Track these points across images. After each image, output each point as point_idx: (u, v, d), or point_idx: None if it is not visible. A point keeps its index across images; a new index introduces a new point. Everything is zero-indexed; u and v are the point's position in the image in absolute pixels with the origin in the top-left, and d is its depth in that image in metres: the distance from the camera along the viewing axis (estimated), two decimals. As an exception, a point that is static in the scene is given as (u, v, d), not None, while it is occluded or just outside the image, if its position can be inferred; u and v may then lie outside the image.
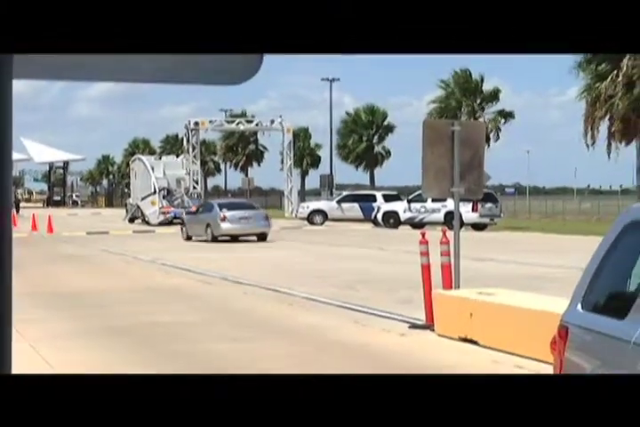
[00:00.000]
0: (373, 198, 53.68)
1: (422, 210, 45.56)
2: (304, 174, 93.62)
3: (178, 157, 65.45)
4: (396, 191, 59.34)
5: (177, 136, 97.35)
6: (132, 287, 19.77)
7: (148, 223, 53.48)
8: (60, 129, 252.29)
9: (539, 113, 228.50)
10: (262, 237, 35.96)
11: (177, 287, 19.78)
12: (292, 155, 66.37)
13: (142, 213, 56.51)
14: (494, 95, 64.50)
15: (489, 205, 44.17)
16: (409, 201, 47.02)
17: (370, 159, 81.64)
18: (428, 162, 13.88)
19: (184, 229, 38.53)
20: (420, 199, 43.58)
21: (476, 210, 43.52)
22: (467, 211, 40.47)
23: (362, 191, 61.84)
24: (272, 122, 65.10)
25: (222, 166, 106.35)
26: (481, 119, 59.59)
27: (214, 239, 35.61)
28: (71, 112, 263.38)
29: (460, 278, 13.72)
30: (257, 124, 67.18)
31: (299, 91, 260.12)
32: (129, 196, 66.58)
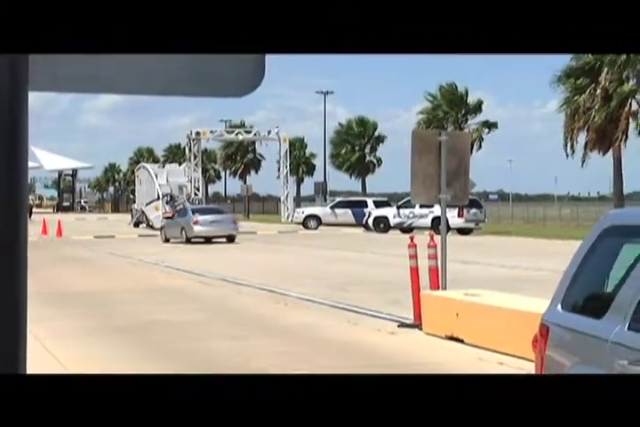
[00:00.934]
0: (365, 204, 53.74)
1: (411, 215, 45.57)
2: (299, 182, 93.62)
3: (180, 165, 65.40)
4: (386, 198, 59.43)
5: (179, 145, 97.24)
6: (136, 288, 19.72)
7: (152, 227, 53.41)
8: (69, 138, 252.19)
9: (522, 124, 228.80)
10: (231, 239, 37.95)
11: (179, 288, 19.74)
12: (288, 163, 66.29)
13: (147, 217, 56.55)
14: (478, 107, 64.61)
15: (474, 210, 44.18)
16: (398, 207, 47.08)
17: (362, 168, 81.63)
18: (417, 170, 13.88)
19: (162, 231, 40.50)
20: (408, 205, 43.68)
21: (462, 215, 43.53)
22: (453, 216, 40.45)
23: (354, 198, 61.90)
24: (269, 132, 65.02)
25: (222, 174, 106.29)
26: (466, 129, 59.61)
27: (188, 241, 37.47)
28: (79, 122, 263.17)
29: (446, 280, 13.72)
30: (255, 135, 67.08)
31: (295, 103, 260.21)
32: (134, 201, 66.51)
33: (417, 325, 13.29)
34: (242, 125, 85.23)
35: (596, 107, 43.69)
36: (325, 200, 66.54)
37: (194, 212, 38.69)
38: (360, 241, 38.38)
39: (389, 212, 47.37)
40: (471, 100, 64.68)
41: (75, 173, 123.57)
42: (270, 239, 37.07)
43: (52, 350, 11.58)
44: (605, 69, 43.70)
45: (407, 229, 43.09)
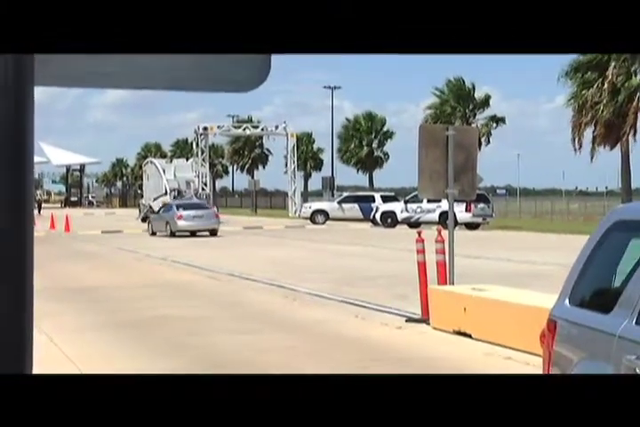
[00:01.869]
0: (372, 199, 53.69)
1: (418, 210, 45.53)
2: (307, 176, 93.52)
3: (188, 160, 65.44)
4: (393, 192, 59.42)
5: (187, 140, 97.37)
6: (145, 283, 19.74)
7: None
8: (76, 133, 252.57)
9: (530, 119, 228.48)
10: (213, 233, 39.61)
11: (187, 283, 19.77)
12: (295, 158, 66.32)
13: (154, 212, 56.54)
14: (485, 102, 64.47)
15: (481, 205, 44.13)
16: (406, 202, 47.02)
17: (370, 163, 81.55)
18: (424, 165, 13.87)
19: (149, 226, 42.23)
20: (416, 200, 43.56)
21: (470, 210, 43.50)
22: (460, 211, 40.43)
23: (361, 192, 61.88)
24: (276, 127, 65.10)
25: (230, 169, 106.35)
26: (473, 124, 59.52)
27: (172, 234, 38.98)
28: (87, 118, 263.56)
29: (454, 275, 13.72)
30: (262, 130, 67.17)
31: (302, 98, 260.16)
32: (142, 196, 66.55)
33: (424, 319, 13.29)
34: (249, 120, 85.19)
35: (604, 101, 43.57)
36: (333, 195, 66.50)
37: (177, 207, 40.29)
38: (367, 236, 38.37)
39: (397, 206, 47.32)
40: (478, 95, 64.62)
41: (82, 168, 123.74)
42: (277, 234, 37.07)
43: (60, 345, 11.62)
44: (613, 64, 43.57)
45: (415, 224, 43.04)
